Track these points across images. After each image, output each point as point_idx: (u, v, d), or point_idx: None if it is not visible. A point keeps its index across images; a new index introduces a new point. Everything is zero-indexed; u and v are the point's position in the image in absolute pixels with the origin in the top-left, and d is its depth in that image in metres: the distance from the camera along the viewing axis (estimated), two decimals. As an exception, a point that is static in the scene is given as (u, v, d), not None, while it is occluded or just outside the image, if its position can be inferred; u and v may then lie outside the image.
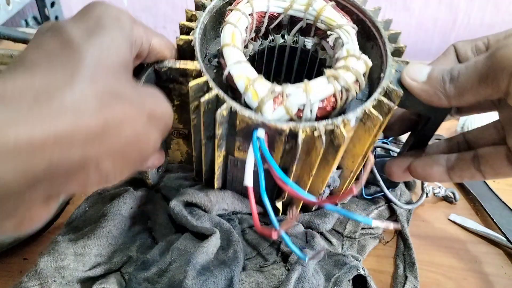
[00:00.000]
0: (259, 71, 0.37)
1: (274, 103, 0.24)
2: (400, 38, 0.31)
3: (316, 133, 0.24)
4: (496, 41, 0.28)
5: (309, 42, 0.34)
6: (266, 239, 0.35)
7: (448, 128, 0.50)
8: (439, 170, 0.30)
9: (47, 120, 0.16)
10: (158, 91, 0.23)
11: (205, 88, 0.26)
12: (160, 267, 0.30)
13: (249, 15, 0.29)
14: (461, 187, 0.44)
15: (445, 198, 0.43)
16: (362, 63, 0.27)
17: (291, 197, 0.25)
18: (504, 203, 0.41)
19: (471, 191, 0.43)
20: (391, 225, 0.25)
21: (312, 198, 0.25)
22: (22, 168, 0.15)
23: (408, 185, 0.42)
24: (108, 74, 0.19)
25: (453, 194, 0.42)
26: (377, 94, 0.26)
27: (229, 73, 0.25)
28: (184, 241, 0.32)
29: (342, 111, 0.26)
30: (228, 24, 0.28)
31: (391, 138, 0.44)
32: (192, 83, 0.25)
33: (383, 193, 0.39)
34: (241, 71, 0.25)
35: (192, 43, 0.28)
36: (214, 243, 0.31)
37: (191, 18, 0.30)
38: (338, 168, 0.33)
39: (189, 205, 0.34)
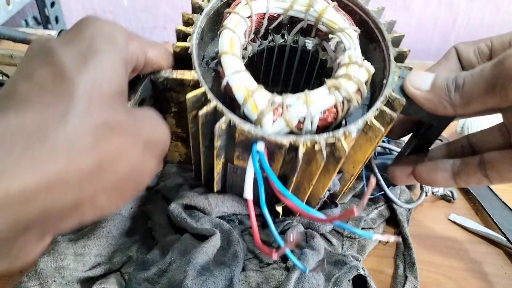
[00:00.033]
0: (258, 71, 0.37)
1: (274, 115, 0.24)
2: (403, 41, 0.31)
3: (316, 147, 0.24)
4: (500, 45, 0.27)
5: (309, 43, 0.34)
6: (265, 234, 0.35)
7: (448, 128, 0.49)
8: (445, 176, 0.30)
9: (39, 165, 0.15)
10: (154, 113, 0.22)
11: (203, 99, 0.25)
12: (160, 267, 0.30)
13: (248, 17, 0.29)
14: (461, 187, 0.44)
15: (444, 197, 0.43)
16: (364, 71, 0.26)
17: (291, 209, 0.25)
18: (504, 203, 0.41)
19: (471, 191, 0.43)
20: (392, 238, 0.25)
21: (313, 213, 0.24)
22: (13, 219, 0.15)
23: (408, 185, 0.42)
24: (103, 103, 0.18)
25: (452, 193, 0.42)
26: (379, 104, 0.26)
27: (227, 83, 0.25)
28: (184, 241, 0.32)
29: (343, 118, 0.26)
30: (226, 29, 0.27)
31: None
32: (190, 95, 0.24)
33: (383, 193, 0.39)
34: (240, 81, 0.25)
35: (189, 50, 0.27)
36: (214, 243, 0.31)
37: (188, 22, 0.30)
38: (338, 172, 0.33)
39: (188, 207, 0.34)
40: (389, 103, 0.26)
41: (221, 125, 0.24)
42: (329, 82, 0.25)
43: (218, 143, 0.26)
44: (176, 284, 0.28)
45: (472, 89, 0.24)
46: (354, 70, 0.26)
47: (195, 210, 0.34)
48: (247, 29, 0.29)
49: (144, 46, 0.23)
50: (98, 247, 0.31)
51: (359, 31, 0.30)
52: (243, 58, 0.31)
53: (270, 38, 0.35)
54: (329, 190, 0.33)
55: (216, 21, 0.31)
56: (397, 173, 0.33)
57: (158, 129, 0.22)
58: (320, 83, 0.36)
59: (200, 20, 0.29)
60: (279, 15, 0.32)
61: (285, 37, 0.35)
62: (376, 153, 0.41)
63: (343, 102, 0.25)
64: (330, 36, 0.30)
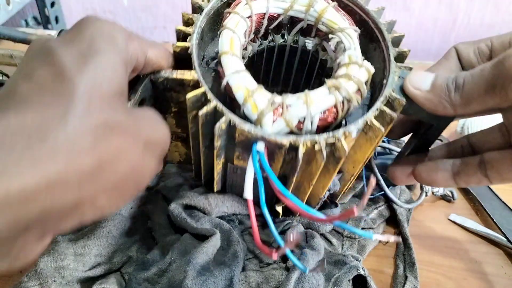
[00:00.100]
0: (258, 71, 0.37)
1: (274, 115, 0.24)
2: (403, 41, 0.31)
3: (316, 147, 0.24)
4: (500, 45, 0.27)
5: (309, 43, 0.34)
6: (265, 234, 0.35)
7: (448, 128, 0.49)
8: (445, 176, 0.30)
9: (39, 165, 0.15)
10: (154, 113, 0.22)
11: (203, 99, 0.25)
12: (160, 267, 0.30)
13: (248, 17, 0.29)
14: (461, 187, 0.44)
15: (444, 197, 0.43)
16: (364, 71, 0.26)
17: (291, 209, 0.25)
18: (504, 203, 0.41)
19: (471, 191, 0.43)
20: (392, 238, 0.25)
21: (313, 213, 0.24)
22: (13, 219, 0.15)
23: (408, 185, 0.42)
24: (103, 103, 0.18)
25: (452, 193, 0.42)
26: (379, 104, 0.26)
27: (227, 83, 0.25)
28: (184, 241, 0.32)
29: (343, 118, 0.26)
30: (226, 30, 0.27)
31: (391, 138, 0.44)
32: (190, 95, 0.24)
33: (383, 193, 0.39)
34: (240, 81, 0.25)
35: (189, 50, 0.27)
36: (214, 243, 0.31)
37: (188, 22, 0.30)
38: (338, 172, 0.33)
39: (188, 207, 0.34)
40: (389, 103, 0.26)
41: (221, 125, 0.24)
42: (329, 82, 0.25)
43: (218, 143, 0.26)
44: (176, 284, 0.28)
45: (472, 89, 0.24)
46: (354, 70, 0.26)
47: (195, 210, 0.34)
48: (247, 29, 0.29)
49: (144, 46, 0.23)
50: (98, 247, 0.31)
51: (359, 31, 0.30)
52: (243, 58, 0.31)
53: (270, 38, 0.35)
54: (329, 190, 0.33)
55: (216, 21, 0.31)
56: (397, 173, 0.34)
57: (158, 129, 0.22)
58: (320, 83, 0.36)
59: (200, 20, 0.29)
60: (279, 15, 0.32)
61: (285, 37, 0.35)
62: (376, 153, 0.41)
63: (343, 102, 0.25)
64: (330, 36, 0.30)
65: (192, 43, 0.27)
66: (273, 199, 0.34)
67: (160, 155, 0.22)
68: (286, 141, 0.23)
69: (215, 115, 0.25)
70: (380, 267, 0.36)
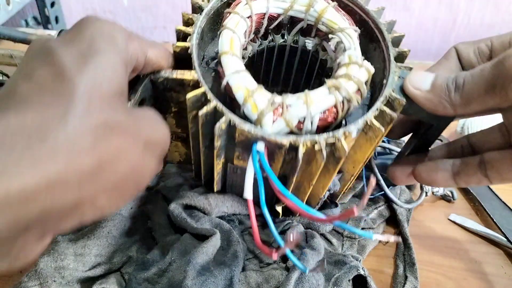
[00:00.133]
0: (258, 71, 0.37)
1: (274, 115, 0.24)
2: (403, 41, 0.30)
3: (316, 147, 0.24)
4: (500, 45, 0.27)
5: (309, 43, 0.34)
6: (265, 234, 0.35)
7: (448, 128, 0.49)
8: (445, 176, 0.30)
9: (39, 165, 0.15)
10: (154, 113, 0.22)
11: (203, 99, 0.25)
12: (160, 267, 0.30)
13: (248, 17, 0.29)
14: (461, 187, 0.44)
15: (443, 197, 0.43)
16: (364, 71, 0.26)
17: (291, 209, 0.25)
18: (504, 203, 0.41)
19: (471, 191, 0.43)
20: (392, 238, 0.25)
21: (313, 213, 0.24)
22: (13, 219, 0.15)
23: (408, 185, 0.42)
24: (103, 103, 0.18)
25: (452, 193, 0.42)
26: (379, 104, 0.26)
27: (227, 83, 0.25)
28: (184, 241, 0.32)
29: (343, 118, 0.26)
30: (226, 30, 0.27)
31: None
32: (190, 95, 0.24)
33: (383, 193, 0.39)
34: (240, 81, 0.25)
35: (189, 50, 0.27)
36: (214, 243, 0.31)
37: (188, 22, 0.30)
38: (338, 172, 0.33)
39: (188, 207, 0.34)
40: (389, 103, 0.26)
41: (221, 125, 0.24)
42: (329, 82, 0.25)
43: (218, 143, 0.26)
44: (176, 284, 0.28)
45: (472, 89, 0.24)
46: (354, 70, 0.26)
47: (195, 210, 0.34)
48: (247, 29, 0.29)
49: (144, 46, 0.23)
50: (98, 247, 0.31)
51: (359, 31, 0.29)
52: (243, 58, 0.31)
53: (270, 38, 0.35)
54: (329, 190, 0.33)
55: (216, 21, 0.31)
56: (397, 173, 0.34)
57: (158, 129, 0.22)
58: (320, 83, 0.36)
59: (200, 20, 0.29)
60: (279, 15, 0.32)
61: (285, 37, 0.35)
62: (376, 153, 0.41)
63: (343, 102, 0.25)
64: (330, 36, 0.30)
65: (192, 43, 0.27)
66: (273, 199, 0.34)
67: (160, 155, 0.22)
68: (286, 141, 0.23)
69: (215, 115, 0.25)
70: (380, 267, 0.36)
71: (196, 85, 0.26)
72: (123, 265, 0.32)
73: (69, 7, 0.84)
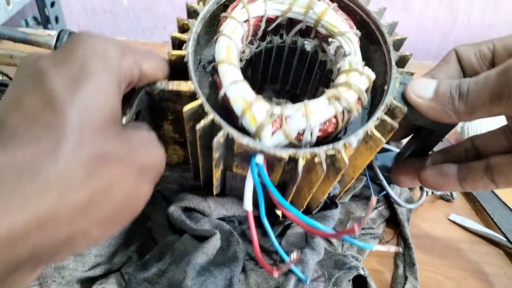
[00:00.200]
0: (256, 70, 0.37)
1: (273, 127, 0.24)
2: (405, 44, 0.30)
3: (316, 159, 0.24)
4: (503, 48, 0.27)
5: (308, 45, 0.33)
6: (266, 240, 0.35)
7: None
8: (451, 181, 0.30)
9: (30, 203, 0.15)
10: (149, 134, 0.22)
11: (200, 111, 0.24)
12: (159, 268, 0.30)
13: (245, 21, 0.28)
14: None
15: (442, 197, 0.43)
16: (364, 79, 0.26)
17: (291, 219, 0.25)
18: (504, 203, 0.41)
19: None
20: (393, 248, 0.25)
21: (313, 225, 0.24)
22: (3, 259, 0.15)
23: (408, 185, 0.42)
24: (95, 133, 0.17)
25: (451, 192, 0.42)
26: (380, 113, 0.25)
27: (225, 94, 0.24)
28: (184, 241, 0.32)
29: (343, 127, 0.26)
30: (223, 36, 0.26)
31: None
32: (186, 108, 0.24)
33: (384, 193, 0.39)
34: (237, 93, 0.24)
35: (185, 59, 0.26)
36: (214, 244, 0.31)
37: (183, 27, 0.28)
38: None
39: (187, 210, 0.34)
40: (390, 111, 0.26)
41: (219, 139, 0.23)
42: (328, 92, 0.25)
43: (216, 155, 0.25)
44: (176, 284, 0.28)
45: (476, 97, 0.23)
46: (354, 78, 0.25)
47: (195, 212, 0.34)
48: (244, 34, 0.28)
49: (139, 60, 0.23)
50: (98, 247, 0.31)
51: (359, 34, 0.29)
52: (240, 60, 0.30)
53: (268, 39, 0.34)
54: (328, 193, 0.33)
55: (212, 24, 0.30)
56: (401, 176, 0.33)
57: (153, 153, 0.22)
58: (321, 80, 0.35)
59: (196, 26, 0.28)
60: (277, 17, 0.31)
61: (284, 38, 0.34)
62: (376, 153, 0.41)
63: (343, 112, 0.24)
64: (330, 40, 0.29)
65: (188, 51, 0.26)
66: (272, 203, 0.34)
67: (155, 178, 0.22)
68: (285, 154, 0.23)
69: (213, 127, 0.24)
70: (380, 267, 0.36)
71: (192, 96, 0.25)
72: (123, 265, 0.32)
73: (69, 7, 0.84)
